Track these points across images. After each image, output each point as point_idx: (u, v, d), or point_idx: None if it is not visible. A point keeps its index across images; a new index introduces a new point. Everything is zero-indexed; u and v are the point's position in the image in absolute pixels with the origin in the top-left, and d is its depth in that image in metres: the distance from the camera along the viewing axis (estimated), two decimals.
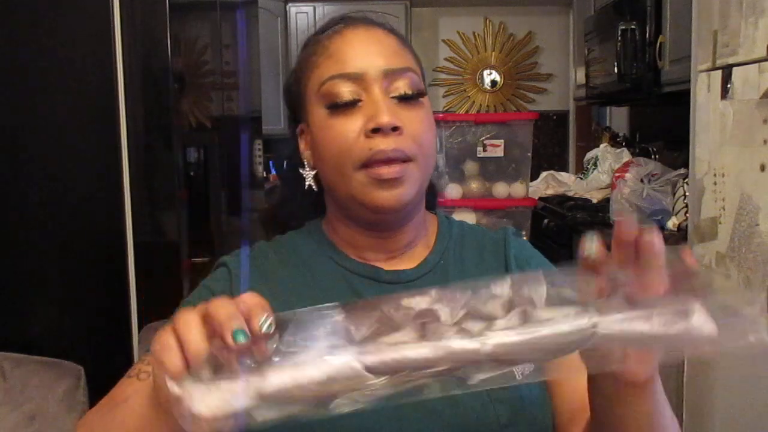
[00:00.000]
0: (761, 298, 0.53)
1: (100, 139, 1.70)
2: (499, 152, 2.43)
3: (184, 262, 1.89)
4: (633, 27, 2.67)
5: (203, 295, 0.82)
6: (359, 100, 0.78)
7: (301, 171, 0.87)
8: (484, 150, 2.42)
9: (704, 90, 1.89)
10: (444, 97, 4.63)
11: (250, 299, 0.53)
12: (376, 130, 0.76)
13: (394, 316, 0.55)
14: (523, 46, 4.52)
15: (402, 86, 0.79)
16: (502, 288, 0.56)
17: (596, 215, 2.69)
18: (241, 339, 0.51)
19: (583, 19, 3.55)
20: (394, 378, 0.52)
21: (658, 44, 2.53)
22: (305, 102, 0.84)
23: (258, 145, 2.70)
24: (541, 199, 3.27)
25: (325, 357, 0.52)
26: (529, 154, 2.46)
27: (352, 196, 0.79)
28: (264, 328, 0.52)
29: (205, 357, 0.52)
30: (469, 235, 0.90)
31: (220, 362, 0.52)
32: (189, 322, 0.53)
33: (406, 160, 0.77)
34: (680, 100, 2.18)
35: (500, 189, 2.44)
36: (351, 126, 0.78)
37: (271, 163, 3.78)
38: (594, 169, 3.35)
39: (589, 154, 3.49)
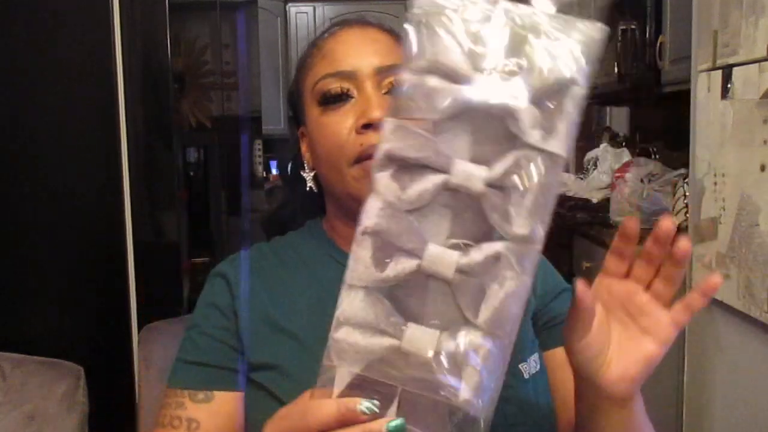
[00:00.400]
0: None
1: (100, 139, 1.69)
2: None
3: (184, 262, 1.89)
4: (633, 27, 2.67)
5: (210, 314, 0.82)
6: (350, 96, 0.79)
7: (302, 173, 0.88)
8: None
9: (704, 90, 1.89)
10: None
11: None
12: (368, 126, 0.76)
13: None
14: None
15: (392, 81, 0.79)
16: None
17: (596, 215, 2.69)
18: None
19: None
20: None
21: (658, 44, 2.53)
22: (303, 104, 0.85)
23: (258, 145, 2.70)
24: None
25: None
26: None
27: (348, 193, 0.79)
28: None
29: None
30: None
31: None
32: None
33: None
34: (680, 100, 2.18)
35: None
36: (343, 123, 0.78)
37: (271, 163, 3.78)
38: (594, 169, 3.35)
39: (589, 154, 3.49)
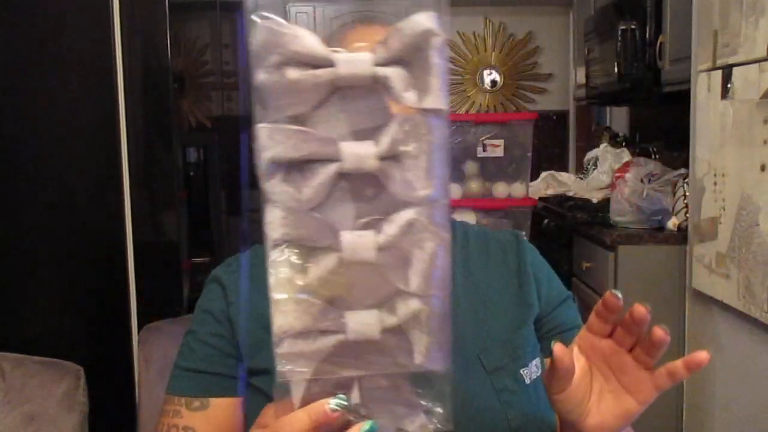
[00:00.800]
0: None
1: (100, 139, 1.69)
2: (499, 152, 2.43)
3: (184, 262, 1.89)
4: (633, 27, 2.67)
5: (205, 320, 0.83)
6: None
7: None
8: (484, 150, 2.42)
9: (704, 90, 1.89)
10: None
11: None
12: None
13: None
14: (523, 46, 4.52)
15: None
16: None
17: (596, 215, 2.69)
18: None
19: (583, 19, 3.55)
20: None
21: (658, 44, 2.53)
22: None
23: None
24: (541, 199, 3.27)
25: None
26: (529, 154, 2.46)
27: None
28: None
29: None
30: (473, 237, 0.91)
31: None
32: None
33: None
34: (680, 100, 2.18)
35: (500, 189, 2.44)
36: None
37: None
38: (594, 169, 3.35)
39: (589, 154, 3.49)
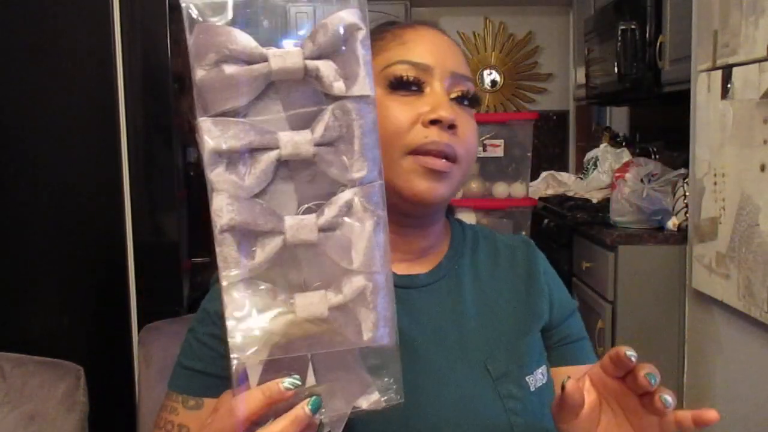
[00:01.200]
0: None
1: (100, 139, 1.69)
2: (499, 152, 2.43)
3: (184, 262, 1.89)
4: (633, 27, 2.67)
5: (202, 319, 0.83)
6: (421, 89, 0.80)
7: None
8: (484, 150, 2.42)
9: (704, 90, 1.89)
10: None
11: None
12: (436, 122, 0.77)
13: None
14: (523, 46, 4.52)
15: (463, 90, 0.82)
16: None
17: (596, 215, 2.69)
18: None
19: (583, 19, 3.55)
20: None
21: (658, 44, 2.53)
22: None
23: None
24: (541, 199, 3.27)
25: None
26: (529, 154, 2.46)
27: (393, 183, 0.78)
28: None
29: None
30: (482, 240, 0.91)
31: None
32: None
33: (454, 159, 0.78)
34: (680, 100, 2.18)
35: (500, 189, 2.44)
36: (409, 111, 0.78)
37: None
38: (594, 169, 3.35)
39: (589, 154, 3.49)
